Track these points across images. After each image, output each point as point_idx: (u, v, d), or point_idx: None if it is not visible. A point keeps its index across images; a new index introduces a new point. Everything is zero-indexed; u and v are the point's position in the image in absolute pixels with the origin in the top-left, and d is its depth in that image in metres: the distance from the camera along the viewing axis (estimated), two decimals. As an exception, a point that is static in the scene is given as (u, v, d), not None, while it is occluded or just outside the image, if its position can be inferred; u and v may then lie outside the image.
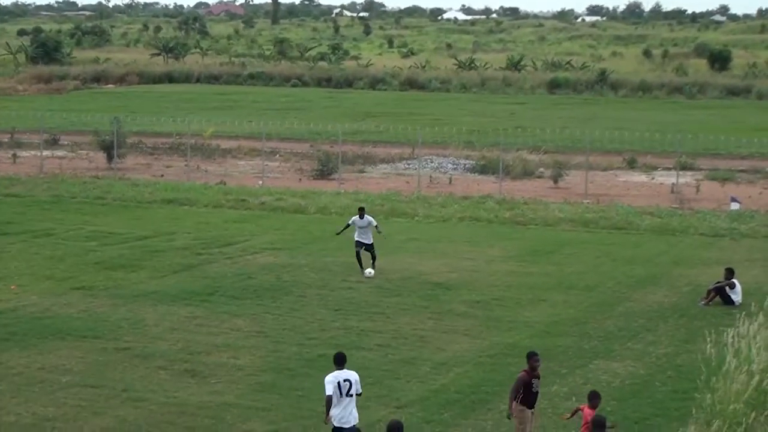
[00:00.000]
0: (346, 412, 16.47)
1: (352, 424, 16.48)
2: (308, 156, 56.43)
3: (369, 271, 29.87)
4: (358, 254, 30.51)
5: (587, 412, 16.63)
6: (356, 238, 30.71)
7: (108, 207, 42.12)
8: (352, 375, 16.72)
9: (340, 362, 16.82)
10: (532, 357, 17.40)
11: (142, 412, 19.32)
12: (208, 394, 20.42)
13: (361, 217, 30.70)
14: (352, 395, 16.55)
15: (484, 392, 20.77)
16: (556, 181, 50.10)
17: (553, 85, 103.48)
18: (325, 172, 51.52)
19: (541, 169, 53.25)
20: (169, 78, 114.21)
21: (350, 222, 31.12)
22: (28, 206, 41.64)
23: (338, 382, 16.48)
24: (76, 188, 45.54)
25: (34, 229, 36.80)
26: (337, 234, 32.36)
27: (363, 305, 27.06)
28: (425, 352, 23.35)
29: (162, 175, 50.48)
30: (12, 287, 28.37)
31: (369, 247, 30.64)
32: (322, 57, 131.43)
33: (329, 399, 16.33)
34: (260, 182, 48.68)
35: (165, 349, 23.21)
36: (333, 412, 16.36)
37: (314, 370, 21.96)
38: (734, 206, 43.02)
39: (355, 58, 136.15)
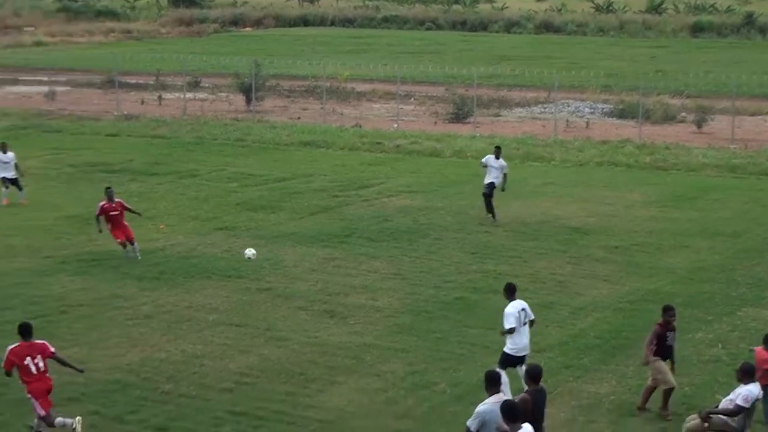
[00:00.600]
0: (523, 342, 17.22)
1: (525, 353, 17.16)
2: (443, 99, 56.25)
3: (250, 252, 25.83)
4: (486, 198, 29.91)
5: (763, 355, 16.07)
6: (486, 180, 30.09)
7: (248, 149, 42.86)
8: (524, 304, 17.54)
9: (512, 292, 17.47)
10: (667, 311, 17.20)
11: (284, 351, 19.78)
12: (347, 334, 20.76)
13: (497, 157, 30.03)
14: (526, 323, 17.29)
15: (624, 338, 20.61)
16: (699, 126, 48.82)
17: (696, 29, 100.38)
18: (460, 115, 51.32)
19: (684, 114, 51.93)
20: (304, 21, 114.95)
21: (484, 161, 30.46)
22: (174, 148, 42.69)
23: (518, 312, 17.15)
24: (218, 130, 46.46)
25: (180, 170, 37.75)
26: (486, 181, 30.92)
27: (500, 249, 27.02)
28: (563, 297, 23.26)
29: (299, 118, 51.05)
30: (160, 227, 29.22)
31: (490, 189, 29.79)
32: (456, 0, 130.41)
33: (511, 331, 17.04)
34: (395, 125, 48.81)
35: (305, 289, 23.64)
36: (511, 342, 17.03)
37: (452, 312, 22.12)
38: None
39: (490, 1, 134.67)
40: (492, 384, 13.35)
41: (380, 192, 34.31)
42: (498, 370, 13.96)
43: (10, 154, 32.70)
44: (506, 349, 17.29)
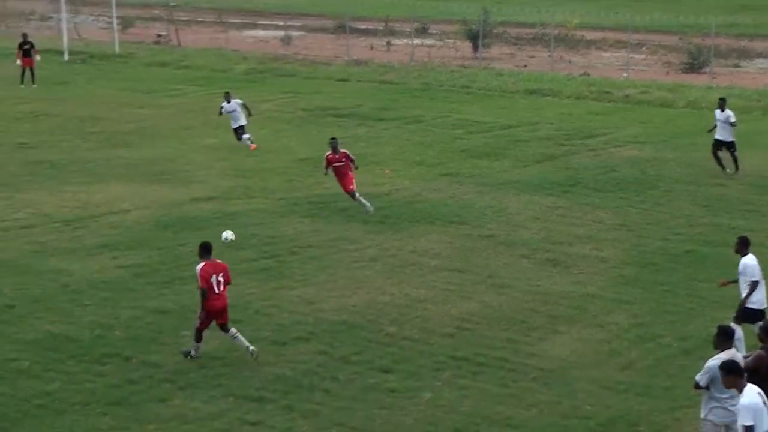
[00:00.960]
0: (763, 295, 16.85)
1: (765, 308, 16.75)
2: (676, 49, 54.38)
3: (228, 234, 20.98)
4: (715, 155, 28.78)
5: None
6: (716, 136, 28.92)
7: (473, 96, 42.84)
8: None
9: (746, 245, 17.17)
10: None
11: (506, 298, 19.80)
12: (570, 284, 20.58)
13: (722, 109, 28.75)
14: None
15: None
16: None
17: None
18: (695, 65, 49.53)
19: None
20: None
21: (716, 116, 29.25)
22: (401, 93, 43.16)
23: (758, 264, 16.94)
24: (444, 77, 46.60)
25: (406, 115, 38.17)
26: (709, 131, 30.08)
27: (735, 202, 26.07)
28: (801, 254, 22.25)
29: (525, 66, 50.55)
30: (386, 171, 29.70)
31: (729, 145, 28.67)
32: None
33: (755, 284, 16.68)
34: (625, 74, 47.65)
35: (527, 237, 23.54)
36: (754, 296, 16.71)
37: (680, 265, 21.57)
38: None
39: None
40: (724, 339, 12.94)
41: (607, 142, 33.66)
42: (732, 324, 13.49)
43: (235, 102, 32.64)
44: (747, 304, 16.72)
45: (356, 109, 39.52)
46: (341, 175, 25.59)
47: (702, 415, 12.93)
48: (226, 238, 19.89)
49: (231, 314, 18.42)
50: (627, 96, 42.02)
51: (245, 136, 32.45)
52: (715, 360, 12.79)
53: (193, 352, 16.64)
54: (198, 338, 16.64)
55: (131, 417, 14.66)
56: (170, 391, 15.54)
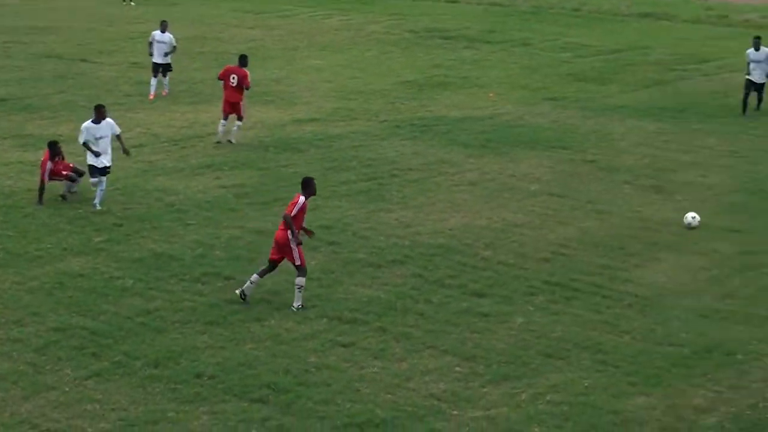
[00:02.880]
0: None
1: None
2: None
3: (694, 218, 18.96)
4: (745, 100, 26.94)
5: None
6: (746, 76, 27.01)
7: (583, 19, 42.04)
8: None
9: None
10: None
11: (604, 224, 19.59)
12: (673, 211, 20.23)
13: (757, 48, 26.81)
14: None
15: None
16: None
17: None
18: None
19: None
20: None
21: (747, 56, 27.06)
22: (509, 15, 42.60)
23: None
24: (554, -1, 45.83)
25: (513, 38, 37.71)
26: (747, 75, 27.37)
27: None
28: None
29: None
30: (490, 95, 29.46)
31: (759, 87, 26.82)
32: None
33: None
34: (744, -5, 46.16)
35: (631, 163, 23.18)
36: None
37: (791, 194, 21.05)
38: None
39: None
40: None
41: (721, 67, 32.79)
42: None
43: (168, 35, 29.01)
44: None
45: (463, 31, 39.16)
46: None
47: None
48: (689, 224, 18.68)
49: (329, 236, 18.71)
50: (747, 21, 40.75)
51: (165, 79, 29.19)
52: None
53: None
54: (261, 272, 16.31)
55: (228, 336, 14.99)
56: (266, 311, 15.84)
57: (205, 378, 13.78)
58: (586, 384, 13.68)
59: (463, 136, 25.19)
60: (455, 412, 13.09)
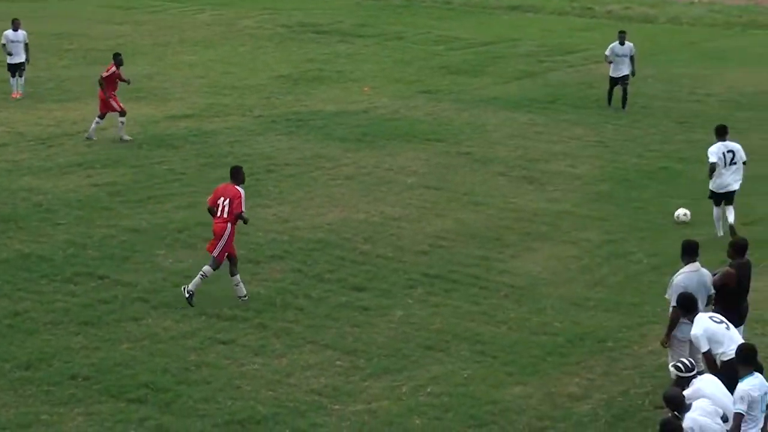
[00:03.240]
0: (726, 180, 18.55)
1: (734, 189, 18.63)
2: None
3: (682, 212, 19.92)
4: (610, 93, 26.90)
5: None
6: (610, 74, 26.84)
7: (454, 12, 42.53)
8: (735, 146, 18.69)
9: (722, 134, 18.67)
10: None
11: (481, 215, 19.87)
12: (545, 201, 20.65)
13: (622, 42, 26.64)
14: (736, 163, 18.54)
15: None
16: None
17: None
18: (677, -22, 49.08)
19: None
20: None
21: (607, 52, 26.98)
22: (382, 9, 42.81)
23: (723, 153, 18.45)
24: (426, -8, 46.19)
25: (386, 32, 37.89)
26: (609, 62, 27.21)
27: (711, 118, 25.79)
28: (776, 169, 22.36)
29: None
30: (365, 89, 29.57)
31: (623, 81, 26.59)
32: None
33: (713, 166, 18.42)
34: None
35: (504, 155, 23.56)
36: (714, 181, 18.54)
37: (654, 182, 21.67)
38: None
39: None
40: (689, 253, 13.10)
41: (587, 58, 33.56)
42: (694, 239, 13.58)
43: (21, 33, 28.20)
44: (714, 189, 18.66)
45: (336, 25, 39.23)
46: None
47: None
48: (677, 216, 19.31)
49: (206, 233, 18.47)
50: (609, 12, 41.81)
51: (21, 80, 28.24)
52: (680, 275, 12.94)
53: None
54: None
55: (103, 336, 14.74)
56: (143, 310, 15.62)
57: (80, 379, 13.55)
58: (465, 375, 13.89)
59: (339, 131, 25.24)
60: (336, 407, 13.14)
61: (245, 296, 16.00)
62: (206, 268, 15.90)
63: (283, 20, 40.07)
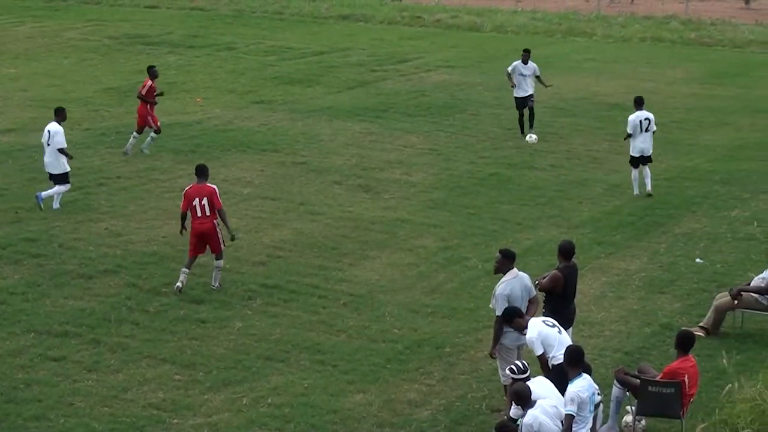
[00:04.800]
0: (646, 145, 21.39)
1: (650, 153, 21.42)
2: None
3: (531, 136, 24.91)
4: (521, 119, 25.86)
5: None
6: (515, 94, 25.82)
7: (286, 22, 42.50)
8: (650, 115, 21.48)
9: (640, 103, 21.59)
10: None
11: (318, 225, 19.87)
12: (381, 209, 20.82)
13: (525, 61, 25.75)
14: (649, 130, 21.39)
15: (658, 215, 20.53)
16: (747, 2, 47.78)
17: None
18: (502, -12, 50.29)
19: (731, -12, 50.79)
20: None
21: (509, 69, 25.95)
22: (211, 20, 42.42)
23: (639, 121, 21.23)
24: (256, 3, 45.99)
25: (217, 43, 37.56)
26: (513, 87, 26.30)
27: (537, 125, 26.71)
28: (599, 173, 23.15)
29: (338, -9, 50.39)
30: (197, 100, 29.24)
31: (529, 101, 25.76)
32: None
33: (629, 136, 21.43)
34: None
35: (340, 164, 23.65)
36: (634, 145, 21.35)
37: (485, 188, 22.09)
38: None
39: None
40: (506, 261, 13.28)
41: (418, 67, 34.03)
42: (512, 249, 13.85)
43: None
44: (634, 153, 21.41)
45: (166, 36, 38.67)
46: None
47: None
48: (531, 141, 23.61)
49: (33, 248, 18.01)
50: (438, 21, 42.50)
51: None
52: (502, 284, 13.14)
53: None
54: (188, 264, 16.69)
55: (-74, 358, 14.14)
56: (-33, 329, 15.06)
57: None
58: (305, 384, 13.85)
59: (172, 142, 24.86)
60: (176, 421, 12.93)
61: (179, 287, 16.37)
62: (218, 262, 16.61)
63: (110, 32, 39.24)
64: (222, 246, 16.72)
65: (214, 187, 16.78)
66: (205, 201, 16.46)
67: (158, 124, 24.17)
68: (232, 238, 17.00)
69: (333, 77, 32.32)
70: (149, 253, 18.23)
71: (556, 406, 11.37)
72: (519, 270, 13.30)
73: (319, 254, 18.46)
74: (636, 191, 21.45)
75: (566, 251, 13.81)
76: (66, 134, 20.45)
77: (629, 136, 21.48)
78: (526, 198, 21.36)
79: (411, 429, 12.89)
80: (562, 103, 29.10)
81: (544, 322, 12.49)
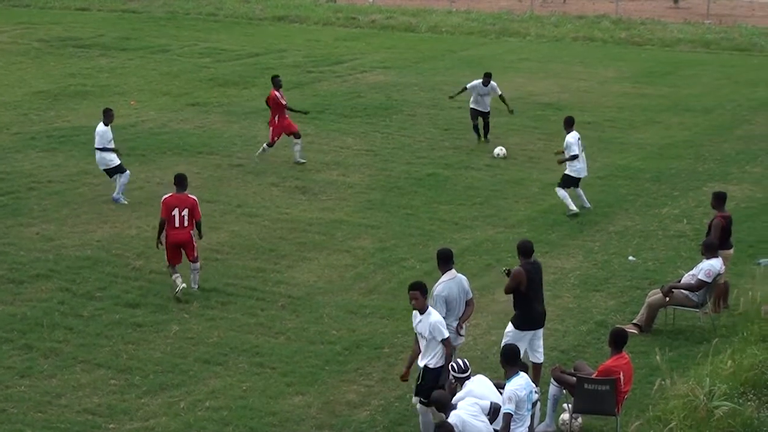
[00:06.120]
0: (583, 165, 20.58)
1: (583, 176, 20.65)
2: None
3: (499, 149, 24.60)
4: (475, 127, 25.84)
5: None
6: (471, 105, 25.80)
7: (220, 23, 42.28)
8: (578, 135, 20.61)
9: (572, 124, 20.49)
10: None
11: (255, 227, 19.79)
12: (318, 210, 20.78)
13: (486, 84, 25.47)
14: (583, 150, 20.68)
15: (592, 213, 20.73)
16: (676, 1, 48.48)
17: None
18: (436, -11, 50.45)
19: (661, -12, 51.48)
20: None
21: (469, 86, 25.76)
22: (144, 22, 42.04)
23: (578, 141, 20.36)
24: (190, 4, 45.71)
25: (151, 45, 37.24)
26: (450, 98, 27.08)
27: (470, 125, 26.82)
28: (534, 173, 23.32)
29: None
30: (131, 102, 28.96)
31: (485, 116, 25.80)
32: None
33: (575, 156, 20.36)
34: (371, 0, 48.14)
35: (276, 166, 23.56)
36: (575, 166, 20.40)
37: (423, 188, 22.15)
38: None
39: None
40: (445, 261, 13.28)
41: (354, 68, 34.02)
42: (447, 247, 13.84)
43: None
44: (567, 172, 20.46)
45: (98, 39, 38.27)
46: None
47: None
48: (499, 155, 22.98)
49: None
50: (373, 21, 42.54)
51: None
52: (440, 284, 13.12)
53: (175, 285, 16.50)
54: (173, 270, 16.64)
55: None
56: None
57: None
58: (244, 387, 13.79)
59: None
60: (112, 425, 12.82)
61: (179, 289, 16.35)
62: (195, 265, 16.73)
63: (40, 35, 38.73)
64: (196, 252, 16.70)
65: (195, 198, 16.76)
66: (185, 212, 16.46)
67: (275, 138, 23.45)
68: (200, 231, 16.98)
69: (268, 79, 31.99)
70: (83, 257, 18.03)
71: (477, 403, 11.39)
72: (457, 271, 13.33)
73: (256, 256, 18.38)
74: (574, 208, 20.37)
75: (525, 249, 13.65)
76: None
77: (574, 157, 20.25)
78: (463, 198, 21.45)
79: (350, 430, 12.90)
80: (497, 104, 29.20)
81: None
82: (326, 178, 22.83)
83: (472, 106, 25.81)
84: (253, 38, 39.10)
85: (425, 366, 12.50)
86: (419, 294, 12.44)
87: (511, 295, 13.64)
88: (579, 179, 20.59)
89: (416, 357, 12.75)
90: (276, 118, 23.48)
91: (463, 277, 13.38)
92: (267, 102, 23.90)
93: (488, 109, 25.79)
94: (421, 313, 12.46)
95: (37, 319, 15.53)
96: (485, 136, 25.86)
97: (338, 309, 16.31)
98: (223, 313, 16.09)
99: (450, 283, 13.15)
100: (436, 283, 13.21)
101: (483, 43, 38.76)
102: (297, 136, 23.62)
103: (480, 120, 25.78)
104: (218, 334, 15.34)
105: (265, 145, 23.75)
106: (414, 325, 12.62)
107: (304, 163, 23.61)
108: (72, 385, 13.68)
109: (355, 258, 18.43)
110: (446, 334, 12.41)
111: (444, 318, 12.90)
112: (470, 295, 13.38)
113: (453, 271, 13.28)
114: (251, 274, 17.62)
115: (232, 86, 31.20)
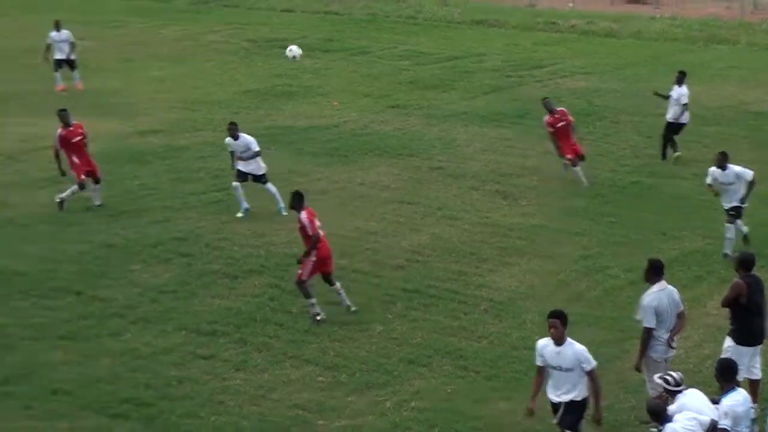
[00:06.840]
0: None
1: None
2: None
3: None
4: (667, 138, 24.11)
5: None
6: (670, 118, 24.19)
7: (419, 26, 42.58)
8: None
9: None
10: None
11: (456, 230, 19.85)
12: (519, 215, 20.69)
13: (680, 83, 24.25)
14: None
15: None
16: None
17: None
18: (639, -5, 49.46)
19: None
20: None
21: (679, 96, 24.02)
22: (346, 24, 42.79)
23: None
24: (390, 7, 46.23)
25: (352, 47, 37.87)
26: (655, 94, 25.50)
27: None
28: (744, 185, 22.51)
29: (472, -4, 50.31)
30: (334, 103, 29.53)
31: (677, 128, 24.10)
32: None
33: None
34: (571, 4, 47.61)
35: (476, 169, 23.59)
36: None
37: (626, 197, 21.77)
38: None
39: None
40: (655, 272, 13.02)
41: (554, 72, 33.71)
42: (659, 257, 13.51)
43: (65, 33, 30.77)
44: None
45: (302, 40, 39.03)
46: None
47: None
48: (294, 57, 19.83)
49: (182, 248, 18.44)
50: (573, 26, 42.03)
51: (76, 75, 30.66)
52: (649, 296, 12.88)
53: (314, 312, 15.83)
54: (307, 293, 15.86)
55: (83, 352, 14.61)
56: (121, 325, 15.50)
57: (61, 394, 13.46)
58: (449, 390, 13.86)
59: (310, 146, 25.17)
60: (321, 422, 13.08)
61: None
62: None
63: (248, 35, 39.92)
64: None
65: (303, 213, 16.05)
66: (318, 221, 16.04)
67: (571, 156, 22.34)
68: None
69: (467, 82, 32.25)
70: (291, 254, 18.41)
71: (695, 418, 11.10)
72: (666, 282, 13.04)
73: (457, 259, 18.45)
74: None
75: (746, 262, 13.23)
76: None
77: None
78: (670, 207, 20.94)
79: (556, 438, 12.75)
80: (705, 112, 28.35)
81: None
82: (526, 183, 22.70)
83: (671, 118, 24.32)
84: (451, 41, 39.24)
85: (571, 401, 11.94)
86: (559, 323, 11.97)
87: (727, 309, 13.24)
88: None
89: (538, 389, 12.22)
90: (560, 142, 22.42)
91: (674, 289, 13.10)
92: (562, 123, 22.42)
93: (686, 120, 24.29)
94: (558, 344, 11.94)
95: (250, 313, 16.02)
96: (675, 147, 24.23)
97: (541, 315, 16.01)
98: (426, 315, 16.21)
99: (660, 294, 12.90)
100: (645, 293, 12.97)
101: (690, 50, 37.71)
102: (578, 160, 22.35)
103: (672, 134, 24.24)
104: (421, 335, 15.46)
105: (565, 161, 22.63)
106: (543, 356, 12.02)
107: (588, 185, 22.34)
108: (282, 380, 14.04)
109: (558, 265, 18.26)
110: (594, 363, 11.84)
111: (654, 330, 12.65)
112: (681, 308, 13.08)
113: (663, 282, 13.01)
114: (453, 276, 17.69)
115: (432, 89, 31.39)
